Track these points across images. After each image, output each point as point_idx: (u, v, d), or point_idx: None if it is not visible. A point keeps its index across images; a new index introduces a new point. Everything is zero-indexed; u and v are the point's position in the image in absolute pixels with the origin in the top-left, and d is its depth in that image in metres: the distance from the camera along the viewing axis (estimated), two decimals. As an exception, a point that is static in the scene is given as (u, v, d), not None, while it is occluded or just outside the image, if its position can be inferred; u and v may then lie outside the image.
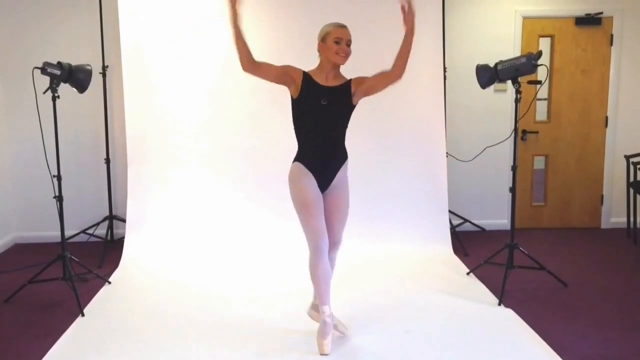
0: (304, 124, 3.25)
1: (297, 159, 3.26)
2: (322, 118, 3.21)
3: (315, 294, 3.37)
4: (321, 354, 3.22)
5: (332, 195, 3.29)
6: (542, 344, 3.37)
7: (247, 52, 3.12)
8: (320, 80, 3.24)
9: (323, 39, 3.21)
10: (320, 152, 3.23)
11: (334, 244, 3.39)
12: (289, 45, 5.16)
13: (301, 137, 3.27)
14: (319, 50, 3.27)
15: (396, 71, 3.20)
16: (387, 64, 5.20)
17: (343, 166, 3.32)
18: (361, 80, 3.28)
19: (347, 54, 3.19)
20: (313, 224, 3.18)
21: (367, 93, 3.28)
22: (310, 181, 3.20)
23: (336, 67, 3.25)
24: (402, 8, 3.17)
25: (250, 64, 3.14)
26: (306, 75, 3.23)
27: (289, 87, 3.24)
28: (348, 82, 3.28)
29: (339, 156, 3.30)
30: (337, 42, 3.17)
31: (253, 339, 3.46)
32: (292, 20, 5.19)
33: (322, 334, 3.25)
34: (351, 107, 3.29)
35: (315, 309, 3.45)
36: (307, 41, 5.17)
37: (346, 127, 3.32)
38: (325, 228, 3.22)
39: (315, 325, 3.39)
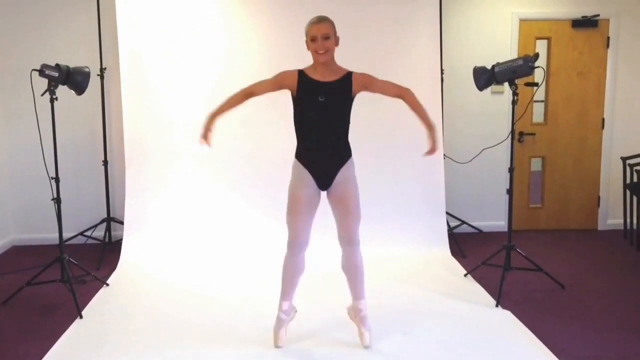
0: (303, 122, 3.20)
1: (296, 155, 3.23)
2: (321, 115, 3.15)
3: (352, 290, 3.44)
4: (275, 345, 3.36)
5: (335, 194, 3.23)
6: (539, 345, 3.38)
7: (235, 102, 3.25)
8: (317, 76, 3.16)
9: (305, 40, 3.18)
10: (318, 151, 3.18)
11: (347, 242, 3.33)
12: (289, 46, 5.17)
13: (300, 135, 3.21)
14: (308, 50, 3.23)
15: (403, 100, 3.28)
16: (384, 65, 5.24)
17: (346, 165, 3.22)
18: (367, 81, 3.20)
19: (326, 49, 3.08)
20: (292, 219, 3.23)
21: (371, 91, 3.26)
22: (303, 179, 3.19)
23: (327, 63, 3.14)
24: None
25: (244, 99, 3.24)
26: (302, 74, 3.17)
27: (289, 90, 3.22)
28: (348, 77, 3.18)
29: (339, 155, 3.22)
30: (313, 40, 3.10)
31: (251, 340, 3.47)
32: (291, 21, 5.19)
33: (275, 326, 3.39)
34: (350, 103, 3.21)
35: (353, 309, 3.45)
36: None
37: (347, 123, 3.22)
38: (304, 227, 3.23)
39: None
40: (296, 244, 3.27)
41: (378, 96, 5.36)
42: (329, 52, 3.10)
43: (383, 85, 3.24)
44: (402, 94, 3.25)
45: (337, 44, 3.16)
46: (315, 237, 3.48)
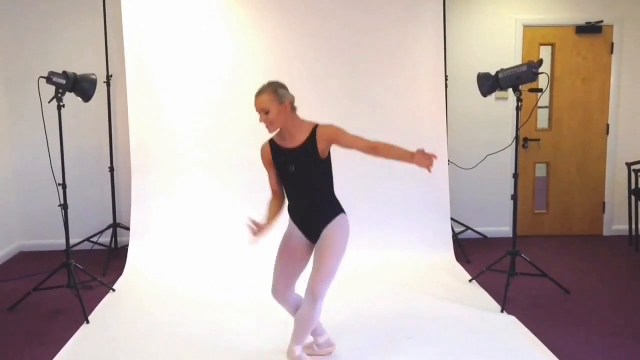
0: (284, 186, 3.14)
1: (287, 209, 3.19)
2: (294, 183, 3.06)
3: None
4: None
5: (316, 246, 3.08)
6: (544, 350, 3.38)
7: (277, 206, 3.18)
8: (283, 143, 3.05)
9: None
10: (300, 213, 3.11)
11: (308, 293, 3.01)
12: (294, 50, 5.21)
13: (286, 194, 3.16)
14: None
15: (375, 156, 2.98)
16: (388, 71, 5.25)
17: (330, 224, 3.04)
18: (332, 137, 2.98)
19: (268, 123, 2.94)
20: (276, 263, 3.19)
21: (339, 145, 3.01)
22: (294, 230, 3.15)
23: (283, 131, 3.01)
24: (425, 158, 2.80)
25: (279, 197, 3.19)
26: (272, 144, 3.09)
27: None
28: (312, 137, 2.99)
29: (321, 216, 3.05)
30: (258, 113, 2.98)
31: (257, 348, 3.47)
32: (296, 25, 5.22)
33: None
34: (323, 162, 3.02)
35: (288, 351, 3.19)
36: (310, 47, 5.25)
37: (326, 183, 3.08)
38: (282, 276, 3.15)
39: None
40: (272, 289, 3.19)
41: (384, 101, 5.41)
42: (274, 123, 2.95)
43: (351, 140, 2.96)
44: (374, 147, 2.94)
45: (286, 109, 2.95)
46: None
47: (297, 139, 3.02)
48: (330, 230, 3.03)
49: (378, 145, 2.93)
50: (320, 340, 3.36)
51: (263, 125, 2.97)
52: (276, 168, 3.10)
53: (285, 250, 3.16)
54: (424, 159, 2.80)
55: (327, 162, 3.06)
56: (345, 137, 2.97)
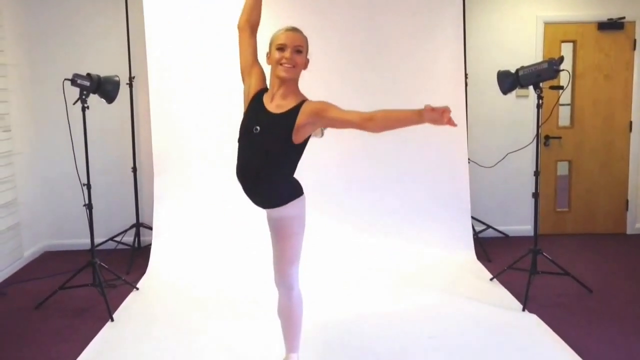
0: (239, 142, 2.69)
1: None
2: (249, 148, 2.62)
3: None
4: None
5: (271, 225, 2.80)
6: (567, 349, 3.37)
7: (254, 9, 2.79)
8: (267, 98, 2.61)
9: (269, 49, 2.61)
10: (245, 186, 2.71)
11: (280, 284, 2.79)
12: (314, 52, 5.22)
13: (237, 155, 2.73)
14: (268, 64, 2.64)
15: (375, 129, 2.44)
16: (408, 70, 5.24)
17: (279, 208, 2.69)
18: (319, 110, 2.50)
19: (294, 64, 2.52)
20: None
21: (326, 126, 2.61)
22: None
23: (284, 84, 2.57)
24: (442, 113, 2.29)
25: (245, 23, 2.82)
26: (261, 92, 2.67)
27: (245, 88, 2.75)
28: (296, 109, 2.53)
29: (267, 199, 2.65)
30: (280, 49, 2.53)
31: (277, 347, 3.50)
32: (315, 27, 5.23)
33: None
34: (290, 144, 2.53)
35: None
36: (329, 46, 5.27)
37: (286, 167, 2.63)
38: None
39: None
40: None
41: (401, 100, 5.39)
42: (296, 68, 2.55)
43: (340, 113, 2.46)
44: (369, 119, 2.41)
45: (305, 66, 2.63)
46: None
47: (284, 104, 2.58)
48: (280, 221, 2.71)
49: (374, 115, 2.39)
50: None
51: (278, 63, 2.54)
52: (243, 118, 2.66)
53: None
54: (436, 115, 2.26)
55: (296, 148, 2.57)
56: (332, 110, 2.47)
